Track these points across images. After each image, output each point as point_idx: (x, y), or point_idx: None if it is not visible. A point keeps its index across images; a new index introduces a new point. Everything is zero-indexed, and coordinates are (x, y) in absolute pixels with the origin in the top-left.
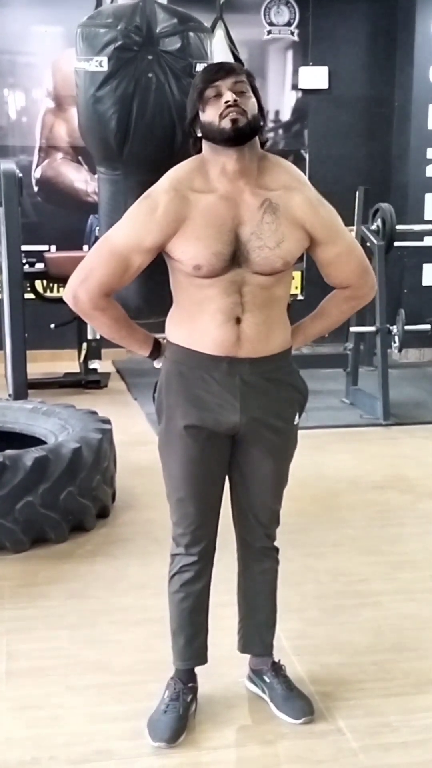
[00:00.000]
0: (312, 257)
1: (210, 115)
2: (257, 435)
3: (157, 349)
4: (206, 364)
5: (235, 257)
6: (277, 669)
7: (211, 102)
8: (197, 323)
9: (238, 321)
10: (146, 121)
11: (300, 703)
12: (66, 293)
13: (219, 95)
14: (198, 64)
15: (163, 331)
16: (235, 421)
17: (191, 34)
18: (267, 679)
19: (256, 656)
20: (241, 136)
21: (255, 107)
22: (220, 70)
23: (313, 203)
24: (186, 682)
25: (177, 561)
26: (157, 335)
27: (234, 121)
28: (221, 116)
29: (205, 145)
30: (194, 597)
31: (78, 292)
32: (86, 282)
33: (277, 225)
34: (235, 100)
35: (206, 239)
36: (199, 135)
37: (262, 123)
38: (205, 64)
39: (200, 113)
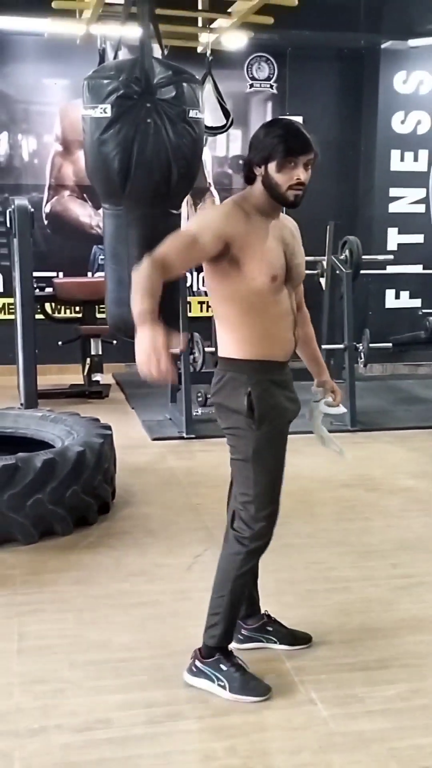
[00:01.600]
0: None
1: (281, 179)
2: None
3: (156, 326)
4: (278, 369)
5: (285, 272)
6: (271, 616)
7: (286, 169)
8: (275, 337)
9: (294, 333)
10: (146, 161)
11: (301, 633)
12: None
13: (294, 167)
14: (191, 111)
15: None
16: (295, 410)
17: (184, 84)
18: (270, 628)
19: (257, 614)
20: (297, 206)
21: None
22: (305, 146)
23: (296, 229)
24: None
25: (255, 554)
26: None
27: (297, 197)
28: (289, 188)
29: (260, 186)
30: (249, 577)
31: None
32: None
33: (296, 244)
34: (305, 180)
35: (275, 251)
36: (256, 174)
37: None
38: (198, 111)
39: (271, 168)
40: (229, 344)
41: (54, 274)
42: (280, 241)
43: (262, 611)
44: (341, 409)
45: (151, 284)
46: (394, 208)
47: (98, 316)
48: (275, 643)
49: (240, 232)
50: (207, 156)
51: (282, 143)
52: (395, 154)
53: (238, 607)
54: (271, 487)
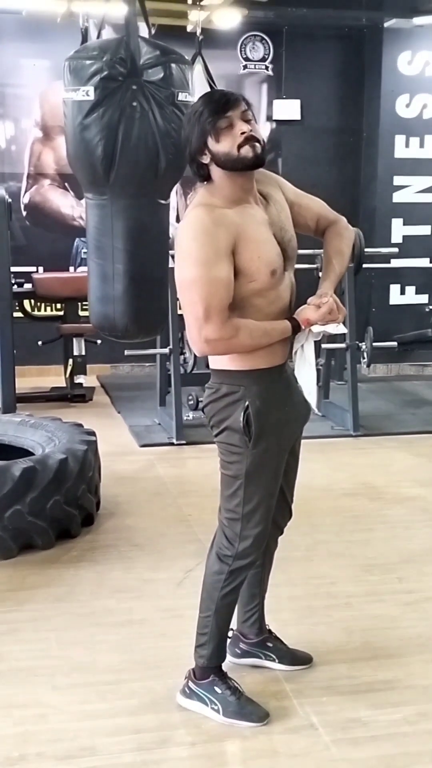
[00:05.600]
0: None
1: (226, 145)
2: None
3: (298, 325)
4: (278, 372)
5: (283, 259)
6: (273, 633)
7: (224, 133)
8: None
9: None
10: (131, 147)
11: (302, 653)
12: (195, 346)
13: (231, 126)
14: (180, 93)
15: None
16: (300, 417)
17: (173, 65)
18: (270, 644)
19: (260, 630)
20: (261, 162)
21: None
22: (228, 101)
23: (276, 176)
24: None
25: (238, 573)
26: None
27: (254, 150)
28: (240, 146)
29: (217, 171)
30: (237, 595)
31: (206, 335)
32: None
33: (280, 208)
34: (251, 131)
35: (268, 242)
36: (205, 162)
37: None
38: (187, 93)
39: (211, 143)
40: (229, 357)
41: (33, 269)
42: (268, 225)
43: (267, 627)
44: (339, 328)
45: (249, 332)
46: (398, 197)
47: (81, 314)
48: (273, 661)
49: (233, 231)
50: None
51: (205, 110)
52: (400, 139)
53: (225, 627)
54: (262, 507)
